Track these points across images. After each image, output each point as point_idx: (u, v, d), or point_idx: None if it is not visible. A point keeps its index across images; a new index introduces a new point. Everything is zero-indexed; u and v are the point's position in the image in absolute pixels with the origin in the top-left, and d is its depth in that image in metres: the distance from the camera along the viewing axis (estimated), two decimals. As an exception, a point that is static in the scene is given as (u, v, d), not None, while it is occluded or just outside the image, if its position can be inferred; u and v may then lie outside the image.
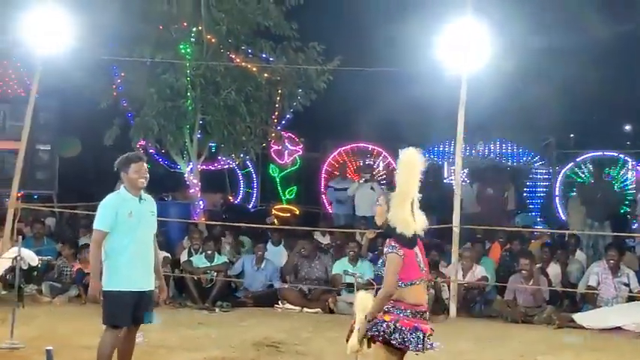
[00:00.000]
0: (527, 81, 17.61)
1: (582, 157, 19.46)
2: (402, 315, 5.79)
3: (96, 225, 6.96)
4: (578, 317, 11.31)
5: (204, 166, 16.17)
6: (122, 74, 14.74)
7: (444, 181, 20.11)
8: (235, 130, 14.90)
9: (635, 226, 16.36)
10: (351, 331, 6.02)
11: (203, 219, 15.14)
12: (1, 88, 17.39)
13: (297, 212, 19.44)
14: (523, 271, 11.80)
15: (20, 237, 10.10)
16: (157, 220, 7.33)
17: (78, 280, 12.38)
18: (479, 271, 12.41)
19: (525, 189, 19.85)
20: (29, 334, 9.21)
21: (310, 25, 15.46)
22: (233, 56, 14.79)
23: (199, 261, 12.78)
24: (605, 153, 19.37)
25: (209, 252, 12.78)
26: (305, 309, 12.31)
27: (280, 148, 20.01)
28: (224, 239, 14.27)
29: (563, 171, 19.69)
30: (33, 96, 13.01)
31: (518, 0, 15.77)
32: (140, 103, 14.46)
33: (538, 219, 19.16)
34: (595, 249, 14.59)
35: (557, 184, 19.62)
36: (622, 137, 26.53)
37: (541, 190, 20.13)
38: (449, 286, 11.98)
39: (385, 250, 5.89)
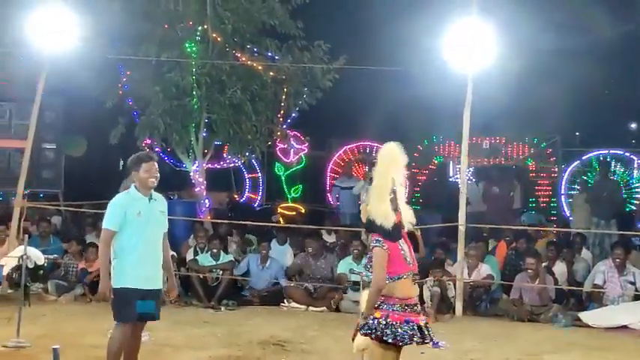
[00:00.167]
0: (532, 80, 17.60)
1: (588, 156, 19.43)
2: (391, 310, 5.77)
3: (105, 224, 6.97)
4: (585, 316, 11.30)
5: (209, 165, 16.18)
6: (128, 73, 14.76)
7: (450, 179, 20.09)
8: (241, 129, 14.92)
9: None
10: (357, 330, 6.02)
11: (209, 217, 15.16)
12: (7, 87, 17.44)
13: (303, 211, 19.44)
14: (529, 270, 11.79)
15: (26, 235, 10.12)
16: (163, 219, 7.33)
17: (82, 279, 12.43)
18: (484, 270, 12.39)
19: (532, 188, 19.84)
20: (35, 333, 9.23)
21: (316, 23, 15.48)
22: (239, 55, 14.81)
23: (205, 259, 12.79)
24: (610, 151, 19.33)
25: (215, 250, 12.78)
26: (311, 307, 12.32)
27: (286, 146, 20.04)
28: (231, 238, 14.29)
29: (568, 169, 19.66)
30: (39, 95, 13.03)
31: (524, -1, 15.78)
32: (146, 102, 14.49)
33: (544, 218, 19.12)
34: (601, 247, 14.58)
35: (563, 183, 19.58)
36: (627, 135, 26.50)
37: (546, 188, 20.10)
38: (455, 285, 11.98)
39: (371, 245, 5.86)
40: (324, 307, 12.27)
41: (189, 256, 13.20)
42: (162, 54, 13.93)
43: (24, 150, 13.19)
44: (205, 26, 14.41)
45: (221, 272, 12.57)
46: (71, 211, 16.14)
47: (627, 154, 19.48)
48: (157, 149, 15.54)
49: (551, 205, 19.75)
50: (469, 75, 12.30)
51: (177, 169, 16.49)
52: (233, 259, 13.10)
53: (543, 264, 12.16)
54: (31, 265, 9.68)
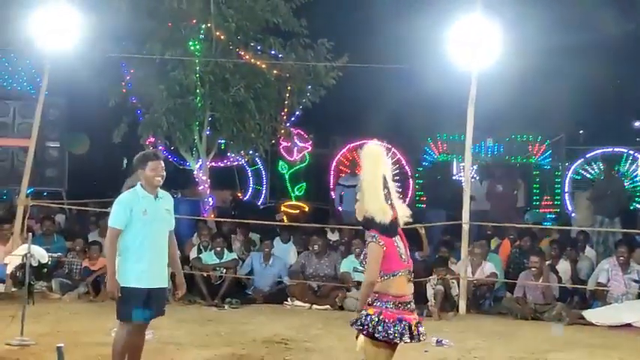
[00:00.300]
0: (536, 77, 17.57)
1: (592, 154, 19.39)
2: (384, 307, 5.76)
3: (110, 222, 6.96)
4: (588, 314, 11.29)
5: (213, 163, 16.18)
6: (131, 71, 14.75)
7: (453, 177, 20.05)
8: (244, 127, 14.92)
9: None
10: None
11: (212, 216, 15.16)
12: (11, 86, 17.46)
13: (307, 209, 19.43)
14: (533, 269, 11.78)
15: (30, 234, 10.11)
16: (167, 217, 7.32)
17: (85, 277, 12.45)
18: (488, 268, 12.39)
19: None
20: (39, 331, 9.25)
21: (319, 21, 15.44)
22: (242, 53, 14.79)
23: (209, 258, 12.80)
24: (614, 149, 19.29)
25: (218, 249, 12.79)
26: (314, 306, 12.33)
27: (289, 144, 19.98)
28: (234, 236, 14.28)
29: (572, 167, 19.62)
30: (42, 93, 13.04)
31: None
32: (149, 100, 14.48)
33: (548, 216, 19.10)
34: (605, 245, 14.55)
35: (567, 181, 19.55)
36: (632, 133, 26.41)
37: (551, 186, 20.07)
38: (458, 283, 11.97)
39: (366, 240, 5.86)
40: (328, 306, 12.28)
41: (193, 254, 13.21)
42: (166, 52, 13.92)
43: (27, 148, 13.21)
44: (209, 24, 14.40)
45: (225, 270, 12.58)
46: (75, 209, 16.15)
47: (632, 152, 19.43)
48: (160, 147, 15.55)
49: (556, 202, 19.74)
50: (473, 73, 12.28)
51: (181, 167, 16.49)
52: (237, 257, 13.10)
53: (547, 262, 12.15)
54: (34, 264, 9.68)
